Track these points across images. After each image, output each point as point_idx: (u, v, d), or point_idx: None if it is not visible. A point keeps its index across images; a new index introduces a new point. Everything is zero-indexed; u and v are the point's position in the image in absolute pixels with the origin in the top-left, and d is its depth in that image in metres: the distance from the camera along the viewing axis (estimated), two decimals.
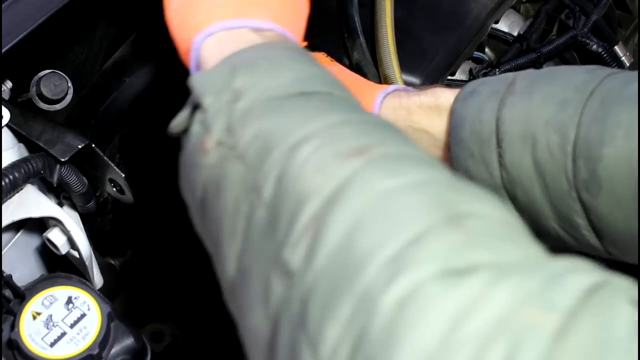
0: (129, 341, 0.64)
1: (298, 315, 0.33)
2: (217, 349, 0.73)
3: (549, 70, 0.55)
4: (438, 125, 0.57)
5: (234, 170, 0.40)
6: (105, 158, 0.65)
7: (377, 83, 0.75)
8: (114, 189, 0.67)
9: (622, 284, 0.30)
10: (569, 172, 0.48)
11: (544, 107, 0.50)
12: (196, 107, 0.44)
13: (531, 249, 0.33)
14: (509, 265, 0.30)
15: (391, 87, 0.62)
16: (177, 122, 0.45)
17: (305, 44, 0.57)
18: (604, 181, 0.46)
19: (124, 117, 0.73)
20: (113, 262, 0.76)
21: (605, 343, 0.26)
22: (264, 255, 0.36)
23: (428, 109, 0.58)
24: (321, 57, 0.72)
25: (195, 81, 0.45)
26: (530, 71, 0.55)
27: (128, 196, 0.67)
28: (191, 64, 0.51)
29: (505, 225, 0.34)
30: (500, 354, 0.26)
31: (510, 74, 0.55)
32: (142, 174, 0.71)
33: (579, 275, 0.30)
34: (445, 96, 0.57)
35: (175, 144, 0.47)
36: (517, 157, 0.50)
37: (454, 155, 0.54)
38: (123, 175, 0.65)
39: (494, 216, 0.34)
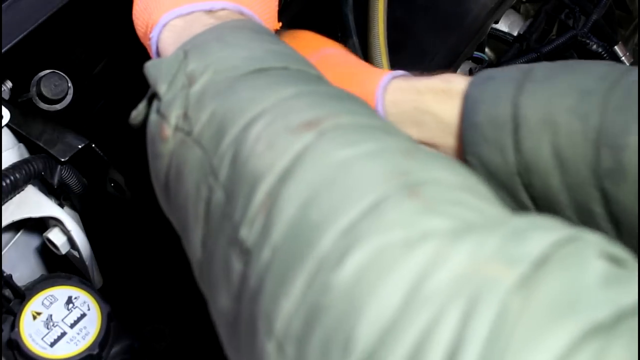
0: (129, 341, 0.64)
1: (255, 291, 0.33)
2: (217, 349, 0.73)
3: (567, 62, 0.54)
4: (448, 109, 0.55)
5: (192, 155, 0.40)
6: (105, 158, 0.65)
7: None
8: (114, 189, 0.67)
9: (592, 238, 0.29)
10: (590, 160, 0.47)
11: (566, 95, 0.49)
12: (153, 95, 0.44)
13: (492, 211, 0.32)
14: (468, 226, 0.30)
15: (400, 72, 0.60)
16: (136, 113, 0.45)
17: (279, 25, 0.57)
18: (629, 170, 0.45)
19: (117, 119, 0.73)
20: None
21: (574, 295, 0.26)
22: (223, 236, 0.36)
23: (439, 91, 0.56)
24: (324, 39, 0.70)
25: (149, 69, 0.45)
26: (548, 62, 0.54)
27: (128, 196, 0.67)
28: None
29: (463, 189, 0.33)
30: (459, 311, 0.26)
31: (526, 65, 0.54)
32: (141, 174, 0.71)
33: (544, 230, 0.29)
34: (457, 80, 0.55)
35: None
36: (536, 143, 0.49)
37: (467, 140, 0.52)
38: (123, 176, 0.65)
39: (451, 181, 0.33)
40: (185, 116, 0.41)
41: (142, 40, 0.54)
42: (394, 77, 0.59)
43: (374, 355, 0.27)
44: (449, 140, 0.55)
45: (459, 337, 0.25)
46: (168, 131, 0.42)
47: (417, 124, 0.55)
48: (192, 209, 0.39)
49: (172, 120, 0.42)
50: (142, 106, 0.45)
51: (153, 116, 0.44)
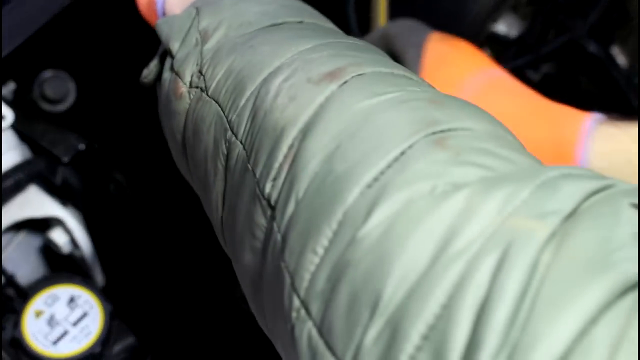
0: (130, 340, 0.64)
1: (280, 246, 0.32)
2: (217, 349, 0.74)
3: None
4: None
5: (209, 111, 0.39)
6: (108, 158, 0.65)
7: None
8: (116, 189, 0.67)
9: (625, 186, 0.27)
10: None
11: None
12: (165, 53, 0.44)
13: (522, 161, 0.30)
14: (499, 177, 0.28)
15: (599, 115, 0.50)
16: (148, 72, 0.45)
17: None
18: None
19: (120, 120, 0.73)
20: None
21: (608, 248, 0.24)
22: (246, 191, 0.36)
23: None
24: (485, 57, 0.61)
25: (161, 27, 0.44)
26: None
27: (130, 196, 0.67)
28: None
29: (493, 139, 0.31)
30: (490, 266, 0.25)
31: None
32: (143, 174, 0.72)
33: (575, 180, 0.27)
34: None
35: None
36: None
37: None
38: (124, 176, 0.65)
39: (480, 130, 0.32)
40: (200, 73, 0.41)
41: (146, 14, 0.52)
42: (598, 121, 0.49)
43: (403, 311, 0.26)
44: None
45: (489, 293, 0.24)
46: (183, 88, 0.41)
47: (632, 179, 0.45)
48: (212, 165, 0.39)
49: (186, 77, 0.41)
50: (153, 64, 0.45)
51: (166, 74, 0.43)
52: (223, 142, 0.38)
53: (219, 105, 0.39)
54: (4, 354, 0.60)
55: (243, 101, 0.37)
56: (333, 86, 0.34)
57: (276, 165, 0.34)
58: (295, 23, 0.42)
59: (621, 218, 0.25)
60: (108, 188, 0.68)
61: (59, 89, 0.66)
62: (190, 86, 0.41)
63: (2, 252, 0.64)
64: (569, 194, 0.26)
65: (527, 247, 0.25)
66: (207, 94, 0.40)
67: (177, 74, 0.42)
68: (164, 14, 0.50)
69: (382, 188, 0.29)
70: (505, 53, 0.91)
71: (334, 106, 0.33)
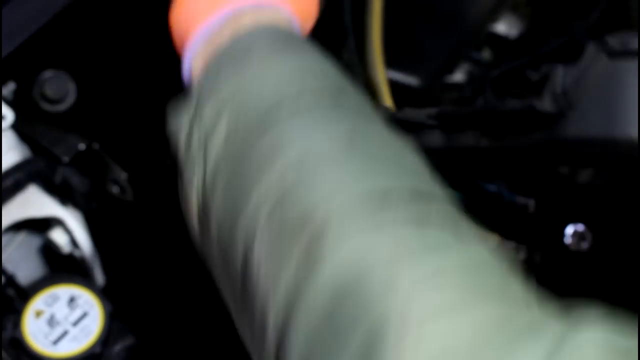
0: (130, 340, 0.64)
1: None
2: (217, 348, 0.74)
3: None
4: None
5: (211, 248, 0.39)
6: (108, 158, 0.65)
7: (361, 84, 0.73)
8: (116, 189, 0.67)
9: (591, 335, 0.26)
10: None
11: None
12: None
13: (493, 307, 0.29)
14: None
15: None
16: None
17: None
18: None
19: (120, 119, 0.74)
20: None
21: None
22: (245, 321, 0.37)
23: None
24: None
25: (170, 124, 0.42)
26: None
27: (130, 196, 0.67)
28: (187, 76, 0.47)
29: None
30: None
31: None
32: (144, 174, 0.72)
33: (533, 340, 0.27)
34: None
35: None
36: None
37: None
38: (125, 175, 0.65)
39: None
40: (204, 190, 0.39)
41: (180, 52, 0.49)
42: None
43: None
44: None
45: None
46: (193, 199, 0.40)
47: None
48: (224, 276, 0.39)
49: (194, 205, 0.40)
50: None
51: (187, 173, 0.40)
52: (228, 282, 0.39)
53: (218, 245, 0.38)
54: (4, 354, 0.60)
55: (235, 244, 0.36)
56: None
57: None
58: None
59: None
60: (108, 188, 0.68)
61: (59, 89, 0.66)
62: (199, 196, 0.39)
63: (2, 252, 0.64)
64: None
65: None
66: (208, 222, 0.38)
67: (188, 179, 0.40)
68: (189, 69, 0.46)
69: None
70: (505, 53, 0.91)
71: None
